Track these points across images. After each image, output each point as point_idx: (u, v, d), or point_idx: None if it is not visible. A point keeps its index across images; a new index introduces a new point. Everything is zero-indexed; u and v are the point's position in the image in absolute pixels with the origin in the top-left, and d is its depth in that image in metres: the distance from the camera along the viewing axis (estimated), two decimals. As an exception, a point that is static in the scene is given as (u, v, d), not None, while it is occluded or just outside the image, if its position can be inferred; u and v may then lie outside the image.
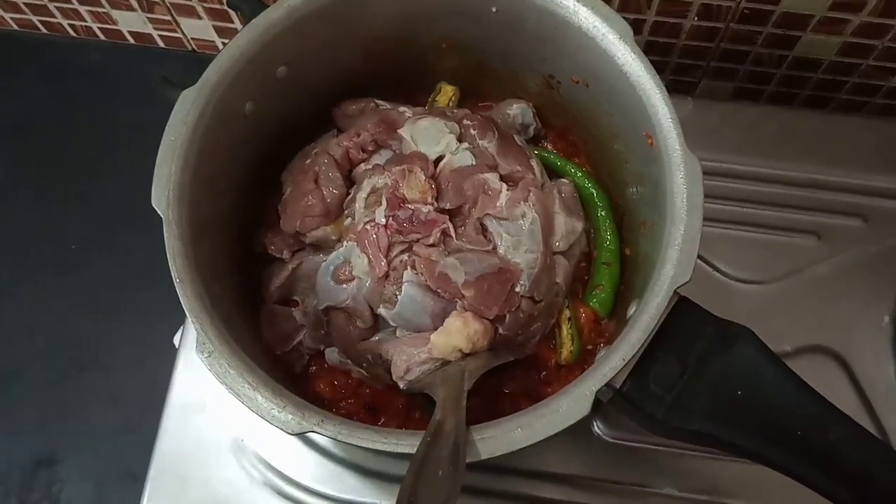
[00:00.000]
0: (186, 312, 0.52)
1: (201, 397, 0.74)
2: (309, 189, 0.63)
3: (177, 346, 0.76)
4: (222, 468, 0.72)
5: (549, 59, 0.65)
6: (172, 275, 0.53)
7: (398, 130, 0.66)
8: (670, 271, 0.52)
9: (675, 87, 0.92)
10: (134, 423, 0.83)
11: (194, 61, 0.58)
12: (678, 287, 0.52)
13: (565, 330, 0.66)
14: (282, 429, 0.50)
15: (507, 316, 0.61)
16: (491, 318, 0.60)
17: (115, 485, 0.85)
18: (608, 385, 0.51)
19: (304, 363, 0.68)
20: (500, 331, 0.61)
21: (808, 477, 0.51)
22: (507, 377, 0.66)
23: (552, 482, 0.72)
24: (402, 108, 0.68)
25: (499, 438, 0.50)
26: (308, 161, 0.64)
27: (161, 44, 1.02)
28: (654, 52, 0.86)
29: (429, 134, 0.64)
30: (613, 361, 0.51)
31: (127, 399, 0.87)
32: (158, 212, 0.54)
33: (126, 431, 0.85)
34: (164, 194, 0.54)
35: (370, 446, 0.50)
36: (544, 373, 0.66)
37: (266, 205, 0.67)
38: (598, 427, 0.74)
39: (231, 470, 0.72)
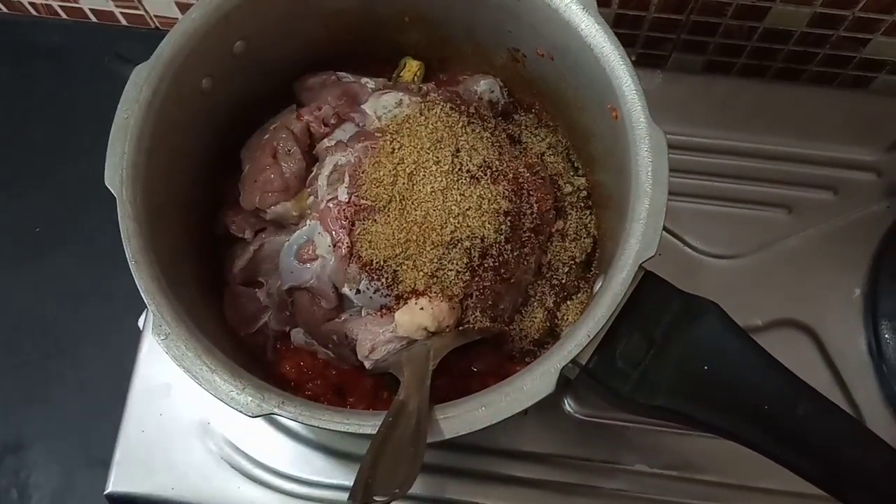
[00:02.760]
0: (142, 294, 0.51)
1: (166, 380, 0.73)
2: (267, 164, 0.61)
3: (141, 329, 0.74)
4: (188, 452, 0.71)
5: (513, 31, 0.64)
6: (127, 256, 0.52)
7: (361, 106, 0.64)
8: (635, 246, 0.52)
9: (646, 60, 0.91)
10: (101, 407, 0.82)
11: (158, 39, 0.56)
12: (643, 262, 0.52)
13: (535, 307, 0.65)
14: (241, 411, 0.49)
15: (474, 294, 0.60)
16: (457, 296, 0.59)
17: (83, 470, 0.83)
18: (574, 362, 0.51)
19: (272, 345, 0.67)
20: (468, 309, 0.60)
21: (776, 452, 0.50)
22: (475, 355, 0.65)
23: (523, 460, 0.72)
24: (364, 80, 0.66)
25: (462, 418, 0.49)
26: (266, 136, 0.63)
27: (123, 21, 0.99)
28: (623, 25, 0.85)
29: (392, 109, 0.63)
30: (578, 338, 0.51)
31: (93, 383, 0.86)
32: (112, 192, 0.52)
33: (93, 416, 0.84)
34: (117, 173, 0.53)
35: (332, 428, 0.49)
36: (512, 351, 0.66)
37: (227, 184, 0.65)
38: (568, 405, 0.73)
39: (197, 453, 0.71)
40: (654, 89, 0.84)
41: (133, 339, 0.76)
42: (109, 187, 0.52)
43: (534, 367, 0.51)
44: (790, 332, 0.76)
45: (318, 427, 0.49)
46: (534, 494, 0.71)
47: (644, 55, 0.91)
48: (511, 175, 0.62)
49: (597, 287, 0.56)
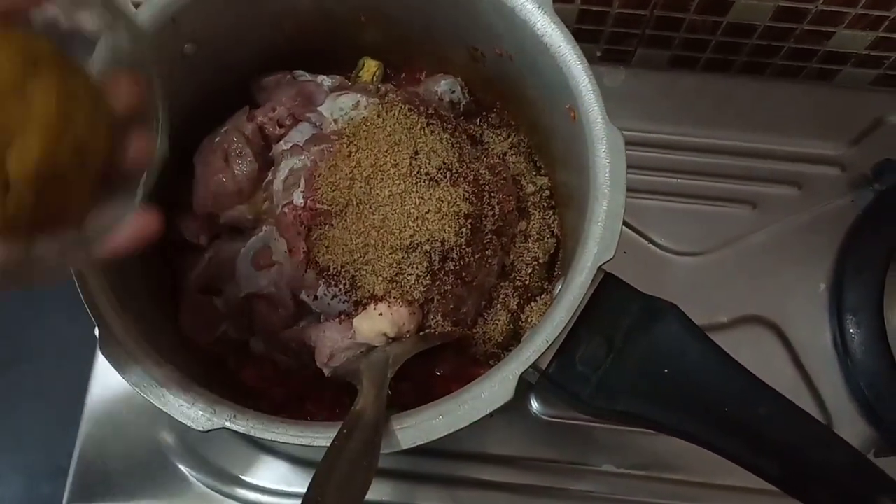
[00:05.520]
0: (86, 307, 0.50)
1: (125, 390, 0.71)
2: (219, 167, 0.60)
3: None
4: (149, 463, 0.70)
5: (471, 30, 0.63)
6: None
7: (318, 108, 0.63)
8: (593, 248, 0.51)
9: (611, 56, 0.91)
10: (62, 416, 0.80)
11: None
12: (602, 264, 0.51)
13: (499, 309, 0.64)
14: (192, 426, 0.48)
15: (435, 298, 0.59)
16: (418, 301, 0.58)
17: (45, 480, 0.82)
18: (534, 367, 0.50)
19: (232, 354, 0.66)
20: (429, 313, 0.59)
21: (737, 453, 0.50)
22: (439, 360, 0.64)
23: (490, 464, 0.71)
24: (320, 79, 0.65)
25: (419, 427, 0.48)
26: (217, 139, 0.62)
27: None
28: (587, 21, 0.84)
29: (349, 111, 0.62)
30: (537, 343, 0.50)
31: (54, 393, 0.84)
32: (54, 201, 0.51)
33: (54, 426, 0.83)
34: (60, 182, 0.51)
35: (286, 441, 0.48)
36: (476, 355, 0.65)
37: (181, 189, 0.64)
38: (534, 406, 0.73)
39: (158, 464, 0.70)
40: (619, 85, 0.83)
41: (92, 349, 0.74)
42: (51, 197, 0.51)
43: (492, 374, 0.50)
44: (756, 328, 0.75)
45: (272, 440, 0.48)
46: (502, 498, 0.71)
47: (609, 51, 0.90)
48: (471, 176, 0.61)
49: (556, 290, 0.56)
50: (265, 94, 0.66)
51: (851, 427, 0.72)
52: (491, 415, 0.49)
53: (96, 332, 0.72)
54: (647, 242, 0.78)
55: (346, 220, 0.58)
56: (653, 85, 0.84)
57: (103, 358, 0.71)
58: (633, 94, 0.83)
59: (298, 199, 0.58)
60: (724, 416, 0.50)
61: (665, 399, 0.51)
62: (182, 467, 0.70)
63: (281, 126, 0.63)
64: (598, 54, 0.91)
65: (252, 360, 0.65)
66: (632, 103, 0.82)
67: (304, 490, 0.68)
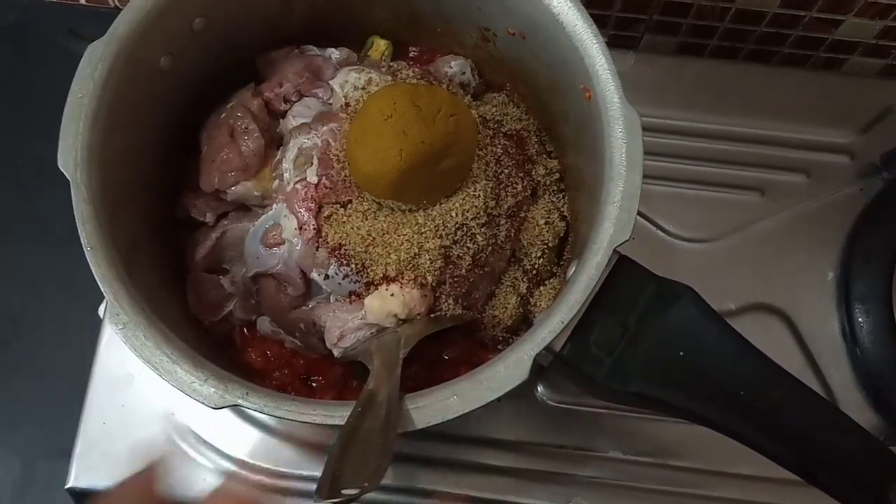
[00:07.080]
0: (98, 281, 0.49)
1: (128, 370, 0.71)
2: (224, 143, 0.59)
3: (102, 318, 0.72)
4: (152, 444, 0.69)
5: (482, 8, 0.62)
6: (82, 242, 0.49)
7: (329, 82, 0.63)
8: (609, 230, 0.51)
9: (618, 42, 0.90)
10: (62, 397, 0.79)
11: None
12: (618, 246, 0.51)
13: (508, 293, 0.64)
14: (204, 403, 0.47)
15: (448, 282, 0.58)
16: (430, 283, 0.57)
17: (44, 462, 0.81)
18: (547, 349, 0.50)
19: (238, 334, 0.65)
20: (441, 297, 0.59)
21: (751, 437, 0.50)
22: (447, 343, 0.63)
23: (495, 448, 0.71)
24: (329, 52, 0.64)
25: (433, 407, 0.48)
26: (223, 115, 0.61)
27: (83, 0, 0.96)
28: (595, 5, 0.83)
29: (360, 88, 0.61)
30: (552, 324, 0.50)
31: (54, 374, 0.83)
32: (66, 174, 0.50)
33: (54, 406, 0.81)
34: (71, 155, 0.50)
35: (298, 419, 0.47)
36: (485, 339, 0.64)
37: (188, 166, 0.63)
38: (541, 391, 0.72)
39: (162, 445, 0.69)
40: (627, 71, 0.83)
41: (94, 328, 0.74)
42: (62, 169, 0.50)
43: (507, 355, 0.50)
44: (764, 315, 0.75)
45: (284, 418, 0.47)
46: (507, 482, 0.70)
47: (616, 36, 0.90)
48: (487, 158, 0.61)
49: (570, 272, 0.55)
50: (271, 68, 0.64)
51: (859, 415, 0.70)
52: (498, 399, 0.48)
53: (100, 310, 0.71)
54: (654, 228, 0.77)
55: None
56: (660, 71, 0.84)
57: (106, 338, 0.72)
58: (641, 79, 0.83)
59: (313, 176, 0.57)
60: (738, 400, 0.50)
61: (679, 382, 0.51)
62: (187, 448, 0.69)
63: (287, 102, 0.62)
64: (605, 40, 0.89)
65: (258, 340, 0.65)
66: (639, 89, 0.82)
67: (311, 472, 0.69)
